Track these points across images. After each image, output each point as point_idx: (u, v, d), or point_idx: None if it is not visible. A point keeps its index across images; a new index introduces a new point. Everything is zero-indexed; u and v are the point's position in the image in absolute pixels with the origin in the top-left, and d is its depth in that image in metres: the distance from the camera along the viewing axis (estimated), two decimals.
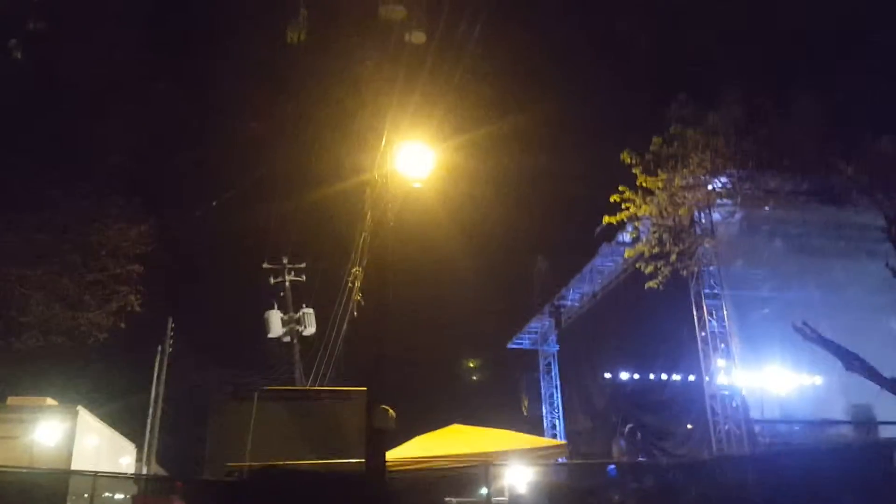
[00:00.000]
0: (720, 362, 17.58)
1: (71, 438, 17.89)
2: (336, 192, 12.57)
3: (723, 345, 17.64)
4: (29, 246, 18.28)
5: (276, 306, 24.82)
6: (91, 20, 15.97)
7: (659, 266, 14.03)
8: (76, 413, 18.45)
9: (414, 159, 10.39)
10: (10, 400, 18.81)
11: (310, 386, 21.59)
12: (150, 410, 25.29)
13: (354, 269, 12.19)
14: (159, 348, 27.09)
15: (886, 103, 12.47)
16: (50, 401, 18.96)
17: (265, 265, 25.40)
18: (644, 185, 13.21)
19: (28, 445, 17.50)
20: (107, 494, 14.16)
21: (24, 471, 14.40)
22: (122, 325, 20.07)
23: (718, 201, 14.73)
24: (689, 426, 21.71)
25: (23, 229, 18.22)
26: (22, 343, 18.76)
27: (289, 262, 25.48)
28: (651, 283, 14.32)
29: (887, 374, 11.05)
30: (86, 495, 13.21)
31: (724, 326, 17.79)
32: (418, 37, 9.77)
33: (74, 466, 17.13)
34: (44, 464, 16.34)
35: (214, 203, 22.66)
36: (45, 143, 18.32)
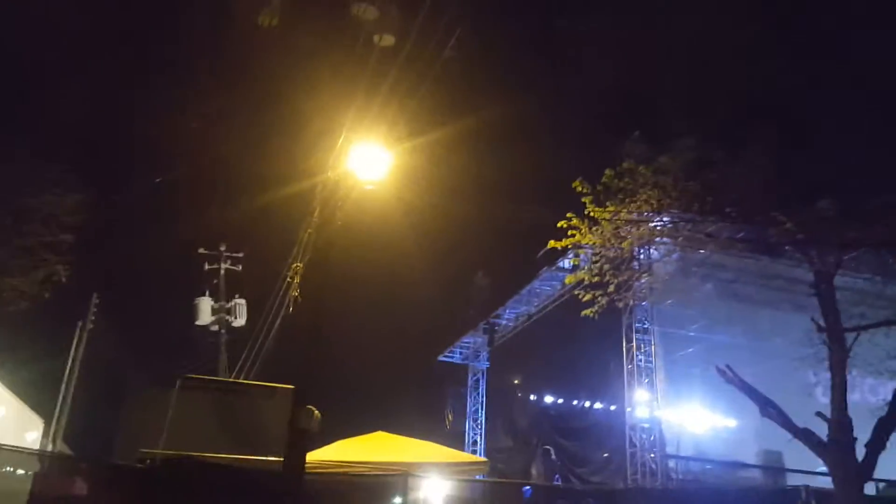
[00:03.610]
0: (643, 395, 17.95)
1: None
2: (287, 186, 12.41)
3: (647, 379, 18.03)
4: None
5: (207, 293, 24.29)
6: None
7: (596, 295, 14.21)
8: None
9: (370, 161, 10.35)
10: None
11: (234, 379, 21.12)
12: (63, 388, 24.30)
13: (295, 265, 12.03)
14: (79, 324, 26.09)
15: (830, 164, 12.99)
16: None
17: (201, 250, 24.84)
18: (592, 214, 13.39)
19: None
20: (7, 469, 13.53)
21: None
22: (47, 296, 19.37)
23: (658, 239, 15.04)
24: (605, 455, 22.12)
25: None
26: None
27: (226, 250, 24.99)
28: (587, 312, 14.49)
29: (800, 423, 11.42)
30: None
31: (650, 361, 18.21)
32: (387, 39, 9.77)
33: None
34: None
35: (158, 180, 22.08)
36: None
